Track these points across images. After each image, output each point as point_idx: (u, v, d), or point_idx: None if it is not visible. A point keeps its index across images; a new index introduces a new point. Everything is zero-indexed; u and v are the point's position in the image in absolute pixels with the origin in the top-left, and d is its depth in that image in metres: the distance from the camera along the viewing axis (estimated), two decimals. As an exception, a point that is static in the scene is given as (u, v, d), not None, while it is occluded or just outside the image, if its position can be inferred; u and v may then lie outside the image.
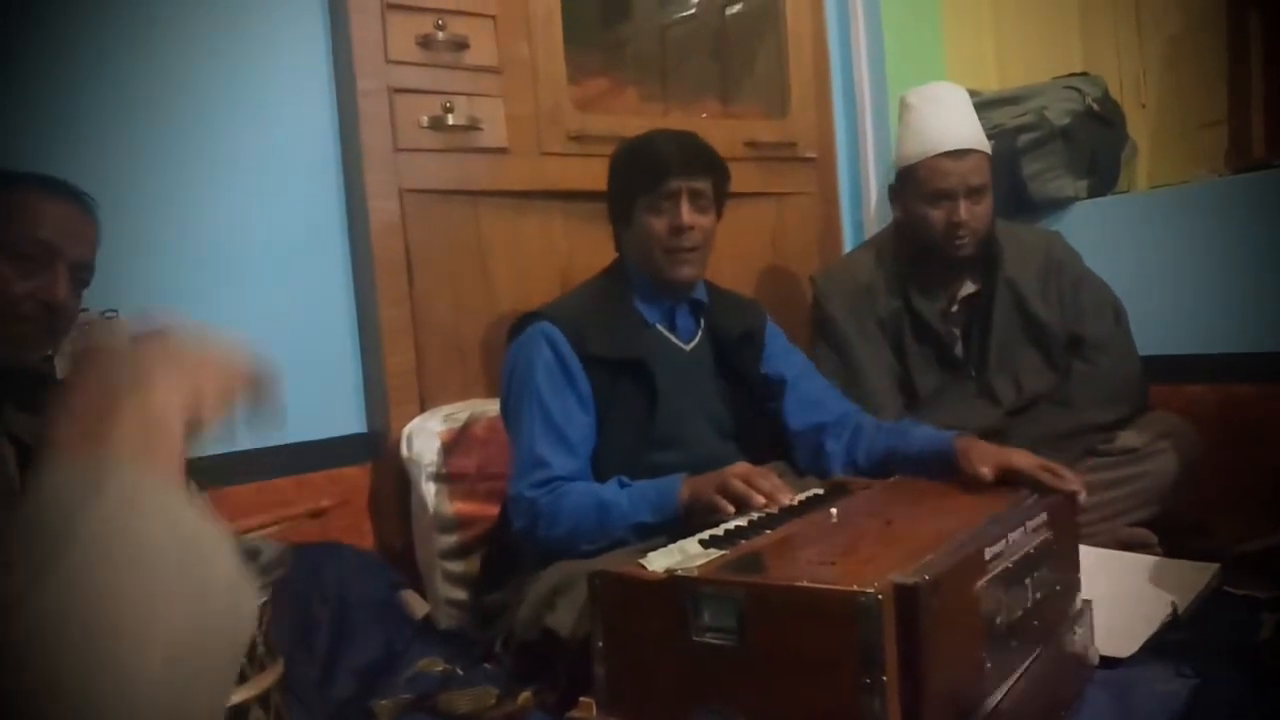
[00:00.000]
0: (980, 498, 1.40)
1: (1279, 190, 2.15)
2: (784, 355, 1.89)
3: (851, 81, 2.71)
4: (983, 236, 2.01)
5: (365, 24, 1.94)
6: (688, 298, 1.78)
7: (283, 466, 1.87)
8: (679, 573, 1.05)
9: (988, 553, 1.10)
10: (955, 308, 2.07)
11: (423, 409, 1.98)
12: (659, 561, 1.10)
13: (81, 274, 1.34)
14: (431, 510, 1.87)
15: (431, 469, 1.87)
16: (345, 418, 2.00)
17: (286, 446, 1.87)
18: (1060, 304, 2.05)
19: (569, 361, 1.64)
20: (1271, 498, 1.91)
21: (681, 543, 1.19)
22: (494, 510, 1.80)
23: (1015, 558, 1.15)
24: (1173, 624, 1.48)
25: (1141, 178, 2.84)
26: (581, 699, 1.23)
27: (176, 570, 0.49)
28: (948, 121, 1.99)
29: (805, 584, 0.98)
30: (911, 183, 2.01)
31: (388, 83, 1.96)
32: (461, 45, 2.04)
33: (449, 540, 1.87)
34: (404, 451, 1.91)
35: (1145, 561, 1.69)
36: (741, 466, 1.45)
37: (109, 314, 1.36)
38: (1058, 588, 1.28)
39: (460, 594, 1.85)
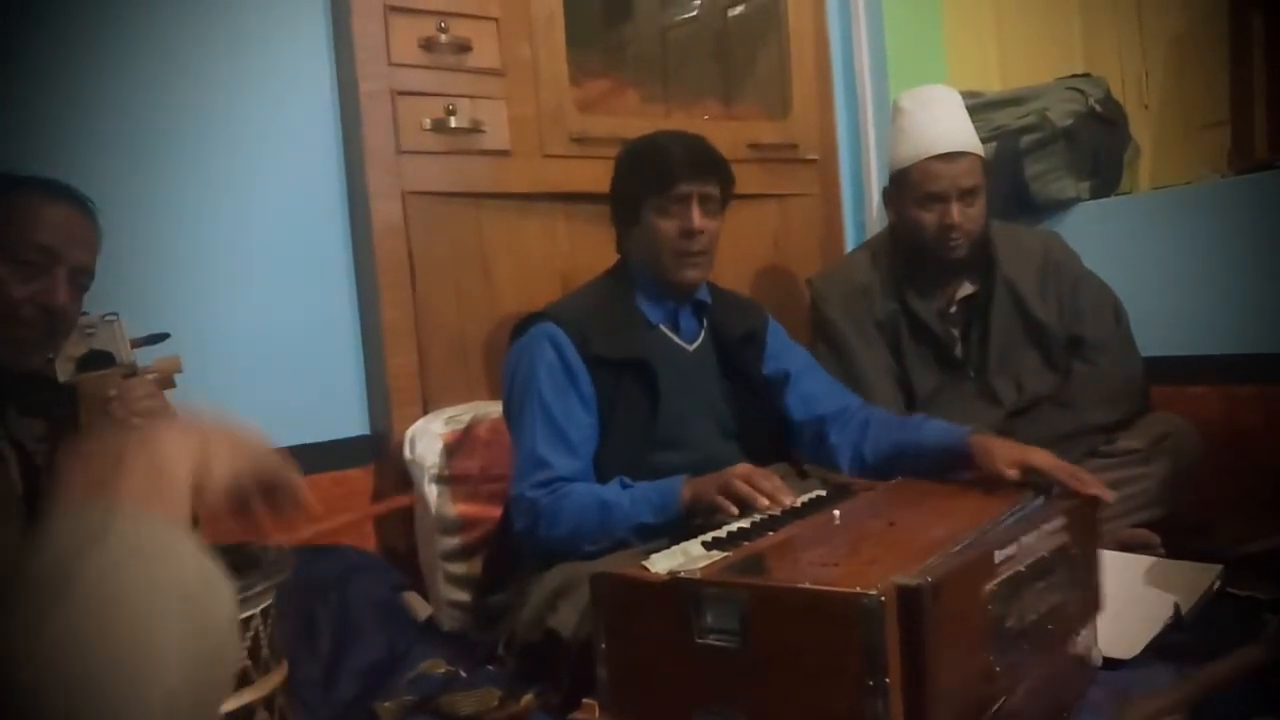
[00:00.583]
0: (984, 500, 1.39)
1: (1281, 191, 2.15)
2: (786, 351, 1.89)
3: (853, 83, 2.71)
4: (976, 238, 2.01)
5: (367, 26, 1.94)
6: (691, 299, 1.78)
7: (285, 468, 1.87)
8: (682, 574, 1.05)
9: (998, 555, 1.09)
10: (954, 308, 2.07)
11: (425, 411, 1.98)
12: (662, 563, 1.10)
13: (82, 278, 1.34)
14: (434, 512, 1.87)
15: (434, 471, 1.88)
16: (348, 420, 2.00)
17: (288, 449, 1.86)
18: (1059, 304, 2.04)
19: (572, 362, 1.64)
20: (1274, 499, 1.91)
21: (684, 544, 1.19)
22: (496, 512, 1.80)
23: (1029, 561, 1.14)
24: (1175, 625, 1.48)
25: (1144, 179, 2.83)
26: (584, 701, 1.23)
27: (179, 612, 0.50)
28: (940, 124, 1.99)
29: (808, 586, 0.98)
30: (904, 186, 2.01)
31: (390, 85, 1.96)
32: (464, 47, 2.04)
33: (452, 542, 1.87)
34: (406, 453, 1.92)
35: (1147, 563, 1.69)
36: (743, 467, 1.45)
37: (110, 318, 1.35)
38: (1076, 593, 1.27)
39: (463, 595, 1.85)
